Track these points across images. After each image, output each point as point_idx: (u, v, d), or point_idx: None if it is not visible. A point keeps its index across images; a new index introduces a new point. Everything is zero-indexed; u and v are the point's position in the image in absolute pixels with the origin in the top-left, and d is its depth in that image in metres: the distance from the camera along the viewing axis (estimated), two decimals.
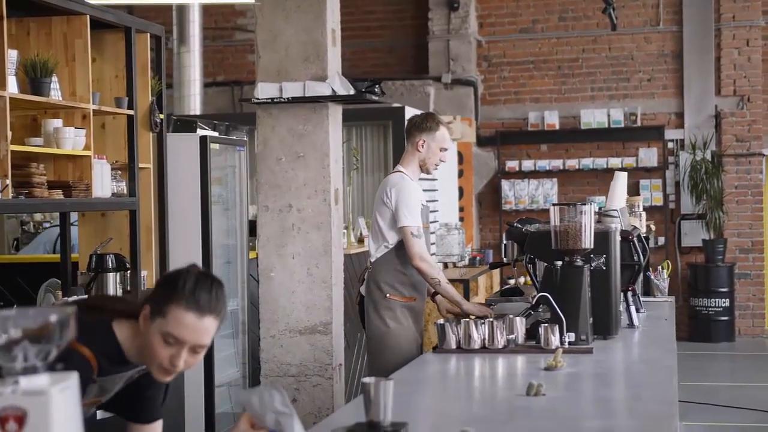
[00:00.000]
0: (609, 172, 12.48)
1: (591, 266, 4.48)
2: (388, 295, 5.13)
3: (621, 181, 5.59)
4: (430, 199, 9.99)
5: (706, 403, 8.72)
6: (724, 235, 12.43)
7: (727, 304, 12.21)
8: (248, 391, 2.58)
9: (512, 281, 12.00)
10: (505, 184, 12.86)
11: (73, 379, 1.82)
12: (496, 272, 11.17)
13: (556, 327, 4.23)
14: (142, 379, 2.79)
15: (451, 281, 8.88)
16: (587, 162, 12.68)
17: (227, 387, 6.67)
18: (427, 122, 5.24)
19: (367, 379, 2.74)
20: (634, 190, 12.29)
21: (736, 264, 12.45)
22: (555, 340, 4.20)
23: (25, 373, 1.77)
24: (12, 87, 4.67)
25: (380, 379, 2.76)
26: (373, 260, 5.21)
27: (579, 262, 4.43)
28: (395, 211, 5.08)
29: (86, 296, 4.80)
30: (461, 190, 12.30)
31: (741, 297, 12.50)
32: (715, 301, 12.19)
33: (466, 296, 8.95)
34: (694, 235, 12.54)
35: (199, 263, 6.21)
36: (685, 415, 8.08)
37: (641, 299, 5.69)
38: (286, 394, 2.54)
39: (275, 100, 5.65)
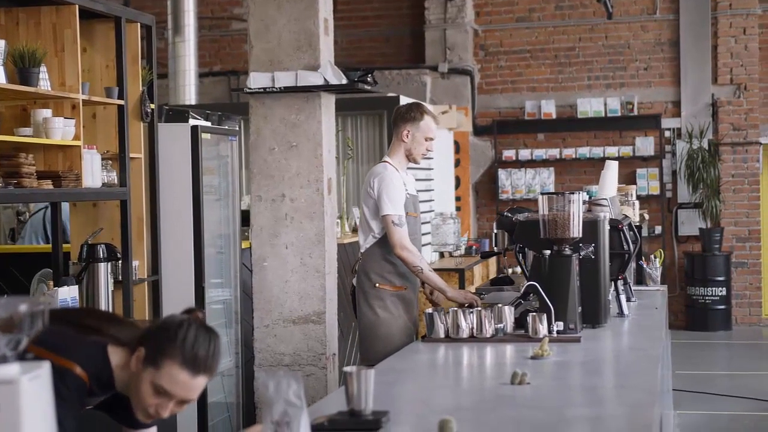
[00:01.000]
0: (606, 162, 12.46)
1: (579, 255, 4.49)
2: (377, 284, 5.16)
3: (612, 170, 5.59)
4: (425, 189, 10.02)
5: (702, 392, 8.74)
6: (720, 224, 12.43)
7: (724, 293, 12.22)
8: (269, 374, 2.60)
9: (510, 270, 12.03)
10: (502, 174, 12.86)
11: (44, 368, 1.82)
12: (493, 261, 11.18)
13: (544, 316, 4.24)
14: None
15: (447, 271, 8.94)
16: (584, 151, 12.68)
17: (220, 376, 6.67)
18: (411, 112, 5.26)
19: (348, 369, 2.75)
20: (630, 179, 12.28)
21: (732, 253, 12.45)
22: (543, 329, 4.21)
23: None
24: (0, 77, 4.67)
25: (361, 368, 2.77)
26: (362, 251, 5.25)
27: (567, 251, 4.44)
28: (377, 200, 5.11)
29: (78, 308, 4.74)
30: (458, 180, 12.30)
31: (738, 286, 12.50)
32: (712, 290, 12.20)
33: (461, 285, 8.96)
34: (690, 224, 12.54)
35: (191, 252, 6.26)
36: (681, 404, 8.09)
37: (633, 288, 5.70)
38: (302, 387, 2.55)
39: (267, 89, 5.65)
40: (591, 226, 4.57)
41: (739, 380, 9.47)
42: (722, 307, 12.24)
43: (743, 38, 12.47)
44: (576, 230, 4.42)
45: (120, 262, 5.58)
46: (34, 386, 1.78)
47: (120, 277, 5.61)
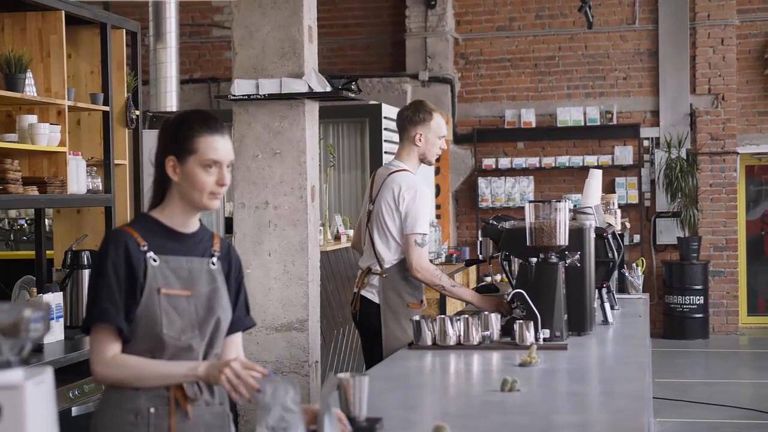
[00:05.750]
0: (585, 170, 12.47)
1: (566, 263, 4.50)
2: (409, 303, 4.97)
3: (596, 178, 5.62)
4: None
5: (681, 399, 8.79)
6: (698, 233, 12.52)
7: (702, 301, 12.30)
8: (266, 379, 2.63)
9: (488, 278, 12.06)
10: (482, 182, 12.90)
11: (47, 374, 1.82)
12: (473, 269, 11.22)
13: (531, 324, 4.25)
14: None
15: None
16: (563, 160, 12.74)
17: None
18: (419, 113, 5.03)
19: (342, 375, 2.76)
20: (609, 187, 12.35)
21: (710, 261, 12.54)
22: (530, 337, 4.22)
23: None
24: None
25: (356, 375, 2.78)
26: (386, 266, 4.98)
27: (554, 259, 4.45)
28: (404, 216, 4.89)
29: None
30: (438, 188, 12.33)
31: (715, 294, 12.59)
32: (690, 299, 12.27)
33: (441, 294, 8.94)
34: (669, 232, 12.62)
35: None
36: (661, 412, 8.13)
37: (616, 296, 5.73)
38: (299, 393, 2.57)
39: (251, 96, 5.65)
40: (577, 234, 4.60)
41: (718, 388, 9.53)
42: (700, 315, 12.32)
43: (721, 48, 12.58)
44: (562, 238, 4.44)
45: None
46: (39, 391, 1.78)
47: None
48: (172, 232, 2.88)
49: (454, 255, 10.68)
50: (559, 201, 4.47)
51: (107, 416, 2.81)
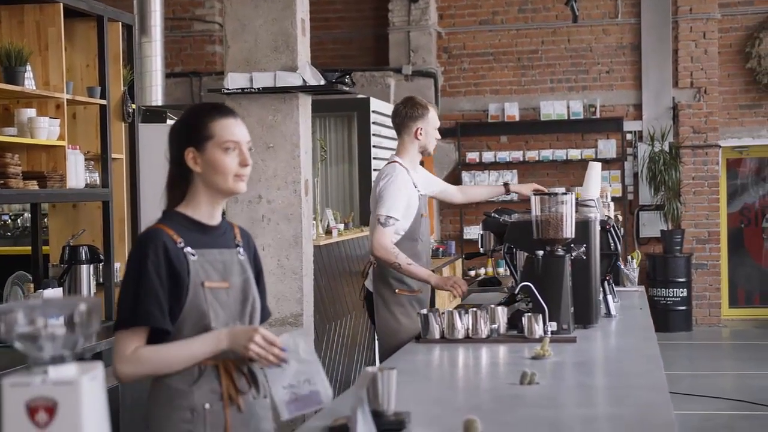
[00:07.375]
0: (568, 164, 12.60)
1: (572, 256, 4.50)
2: (396, 290, 5.08)
3: (595, 170, 5.62)
4: None
5: (670, 392, 8.81)
6: (681, 226, 12.58)
7: (685, 294, 12.36)
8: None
9: (472, 272, 12.07)
10: (466, 176, 12.89)
11: (99, 369, 1.79)
12: (459, 263, 11.23)
13: (540, 316, 4.25)
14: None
15: None
16: (547, 153, 12.76)
17: None
18: (416, 109, 5.21)
19: (370, 369, 2.73)
20: None
21: (693, 254, 12.60)
22: (539, 330, 4.22)
23: (54, 363, 1.74)
24: None
25: (384, 368, 2.75)
26: (377, 255, 5.10)
27: (560, 252, 4.44)
28: (378, 197, 5.02)
29: None
30: None
31: (698, 287, 12.65)
32: (673, 291, 12.33)
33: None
34: (652, 225, 12.67)
35: None
36: None
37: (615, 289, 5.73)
38: (311, 343, 2.58)
39: (245, 90, 5.62)
40: (582, 227, 4.59)
41: (703, 380, 9.58)
42: (683, 308, 12.38)
43: (703, 42, 12.63)
44: (568, 231, 4.43)
45: (102, 264, 5.51)
46: (93, 386, 1.75)
47: (101, 280, 5.54)
48: (200, 226, 2.86)
49: (440, 249, 10.67)
50: (566, 193, 4.46)
51: (162, 415, 2.78)
